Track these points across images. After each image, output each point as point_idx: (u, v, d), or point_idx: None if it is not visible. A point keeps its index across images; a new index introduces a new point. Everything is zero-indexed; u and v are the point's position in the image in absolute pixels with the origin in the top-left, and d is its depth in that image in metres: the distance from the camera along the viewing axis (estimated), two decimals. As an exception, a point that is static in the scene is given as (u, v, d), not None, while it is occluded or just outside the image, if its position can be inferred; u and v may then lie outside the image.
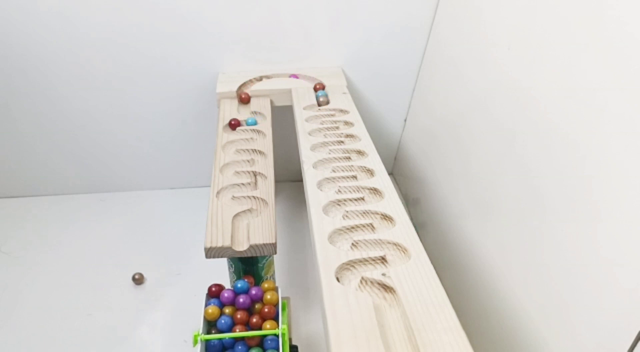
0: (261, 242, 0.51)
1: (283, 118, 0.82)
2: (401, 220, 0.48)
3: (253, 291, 0.52)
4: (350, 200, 0.52)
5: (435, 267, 0.41)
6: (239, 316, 0.51)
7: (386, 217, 0.49)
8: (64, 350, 0.65)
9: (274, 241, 0.52)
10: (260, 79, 0.82)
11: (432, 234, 0.78)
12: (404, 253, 0.44)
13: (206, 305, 0.52)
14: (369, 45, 0.83)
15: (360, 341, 0.34)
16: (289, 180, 0.98)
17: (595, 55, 0.44)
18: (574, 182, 0.45)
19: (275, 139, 0.69)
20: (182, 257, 0.79)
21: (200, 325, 0.50)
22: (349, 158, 0.60)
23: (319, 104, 0.73)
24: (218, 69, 0.82)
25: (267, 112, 0.74)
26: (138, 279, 0.65)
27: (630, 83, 0.39)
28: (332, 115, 0.71)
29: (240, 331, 0.50)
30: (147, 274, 0.76)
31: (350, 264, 0.42)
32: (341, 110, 0.72)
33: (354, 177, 0.56)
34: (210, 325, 0.51)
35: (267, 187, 0.59)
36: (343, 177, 0.56)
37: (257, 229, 0.53)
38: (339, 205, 0.51)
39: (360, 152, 0.61)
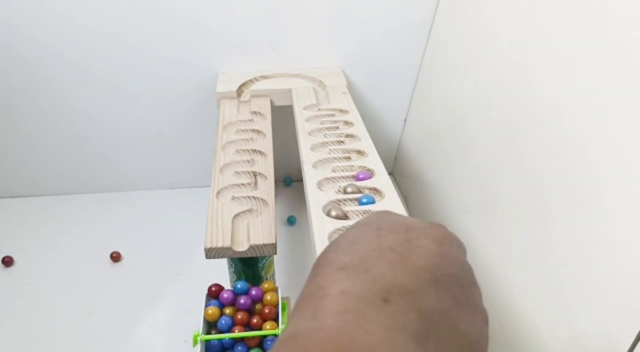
0: (261, 242, 0.51)
1: (283, 118, 0.82)
2: (401, 220, 0.48)
3: (253, 292, 0.52)
4: (351, 200, 0.52)
5: (435, 268, 0.41)
6: (239, 317, 0.51)
7: (386, 218, 0.49)
8: (64, 350, 0.65)
9: (274, 241, 0.52)
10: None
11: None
12: (404, 253, 0.44)
13: (206, 305, 0.52)
14: (368, 45, 0.83)
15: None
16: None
17: (596, 54, 0.44)
18: (576, 181, 0.45)
19: (275, 139, 0.69)
20: (182, 257, 0.79)
21: (200, 325, 0.50)
22: (349, 158, 0.60)
23: None
24: (218, 69, 0.82)
25: (267, 112, 0.74)
26: (115, 257, 0.66)
27: (632, 82, 0.39)
28: (332, 115, 0.71)
29: (239, 332, 0.50)
30: (147, 274, 0.76)
31: (350, 265, 0.42)
32: (341, 110, 0.72)
33: (354, 177, 0.56)
34: (210, 325, 0.51)
35: (267, 188, 0.59)
36: (343, 177, 0.56)
37: (257, 229, 0.53)
38: (339, 205, 0.51)
39: (360, 152, 0.61)
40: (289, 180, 0.97)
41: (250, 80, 0.81)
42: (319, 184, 0.54)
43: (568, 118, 0.46)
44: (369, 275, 0.19)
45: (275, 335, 0.50)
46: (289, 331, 0.18)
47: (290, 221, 0.87)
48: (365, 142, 0.63)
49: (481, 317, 0.21)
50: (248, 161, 0.64)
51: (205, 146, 0.86)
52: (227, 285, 0.56)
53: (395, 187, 0.66)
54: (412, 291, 0.18)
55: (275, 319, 0.51)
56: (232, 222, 0.54)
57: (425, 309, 0.18)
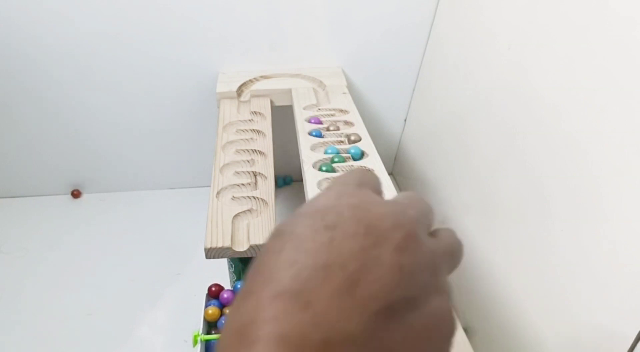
0: (261, 242, 0.51)
1: (283, 118, 0.82)
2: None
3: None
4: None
5: (435, 268, 0.41)
6: (239, 316, 0.51)
7: (386, 218, 0.49)
8: (64, 350, 0.65)
9: (274, 241, 0.52)
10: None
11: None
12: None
13: (206, 305, 0.52)
14: (368, 45, 0.83)
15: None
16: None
17: (596, 54, 0.44)
18: (576, 181, 0.45)
19: (275, 139, 0.69)
20: (182, 257, 0.79)
21: (200, 325, 0.50)
22: (349, 158, 0.60)
23: None
24: (218, 69, 0.82)
25: (267, 112, 0.74)
26: (76, 195, 0.66)
27: (632, 82, 0.39)
28: (332, 115, 0.71)
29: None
30: (147, 274, 0.76)
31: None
32: (341, 110, 0.72)
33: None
34: (210, 325, 0.51)
35: (267, 188, 0.59)
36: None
37: (257, 229, 0.53)
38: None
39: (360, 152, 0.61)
40: (289, 179, 0.98)
41: (250, 80, 0.81)
42: (319, 184, 0.54)
43: (568, 118, 0.46)
44: (309, 313, 0.15)
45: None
46: None
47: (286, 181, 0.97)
48: (365, 142, 0.63)
49: (447, 319, 0.18)
50: (248, 161, 0.64)
51: (205, 146, 0.86)
52: (227, 285, 0.56)
53: (395, 187, 0.66)
54: (358, 337, 0.15)
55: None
56: (232, 222, 0.54)
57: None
